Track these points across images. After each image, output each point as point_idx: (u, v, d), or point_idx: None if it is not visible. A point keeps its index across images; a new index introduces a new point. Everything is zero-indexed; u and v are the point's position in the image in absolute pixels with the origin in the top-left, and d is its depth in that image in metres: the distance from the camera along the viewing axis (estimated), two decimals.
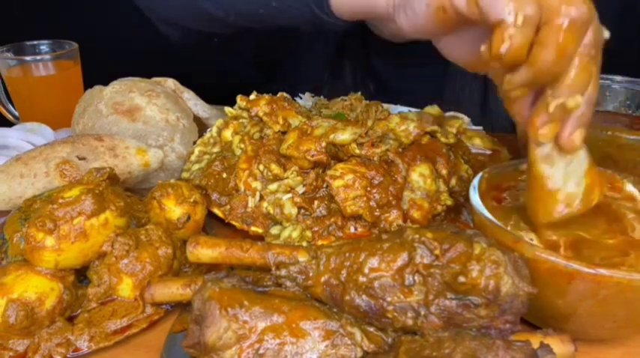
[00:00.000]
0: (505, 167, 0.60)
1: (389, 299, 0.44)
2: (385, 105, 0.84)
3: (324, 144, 0.64)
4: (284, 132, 0.70)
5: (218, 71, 1.12)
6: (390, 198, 0.61)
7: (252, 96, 0.75)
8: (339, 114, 0.77)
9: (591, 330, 0.49)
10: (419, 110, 0.84)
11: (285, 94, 0.78)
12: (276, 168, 0.66)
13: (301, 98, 0.94)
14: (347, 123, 0.65)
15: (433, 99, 0.88)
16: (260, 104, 0.73)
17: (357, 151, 0.62)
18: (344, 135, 0.63)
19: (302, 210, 0.63)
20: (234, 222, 0.65)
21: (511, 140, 0.79)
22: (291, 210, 0.63)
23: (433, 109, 0.82)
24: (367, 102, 0.81)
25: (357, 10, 0.65)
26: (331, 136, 0.63)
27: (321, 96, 0.91)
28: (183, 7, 0.80)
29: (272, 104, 0.73)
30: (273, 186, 0.64)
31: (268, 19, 0.73)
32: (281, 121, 0.71)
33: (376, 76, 1.01)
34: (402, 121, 0.65)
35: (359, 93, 0.88)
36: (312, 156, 0.64)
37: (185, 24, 0.84)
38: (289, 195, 0.63)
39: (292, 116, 0.71)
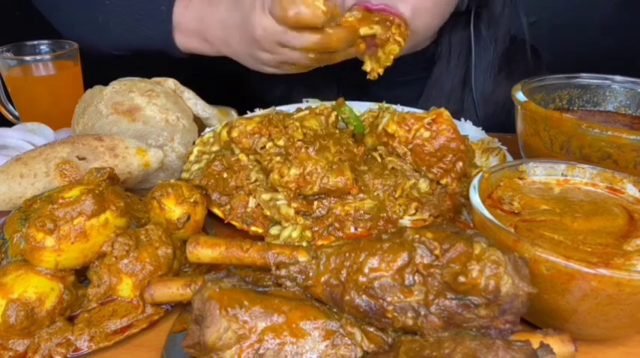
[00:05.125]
0: (505, 167, 0.60)
1: (389, 299, 0.44)
2: (385, 105, 0.84)
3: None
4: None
5: (218, 71, 1.12)
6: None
7: (235, 133, 0.70)
8: (358, 124, 0.74)
9: (591, 330, 0.49)
10: (420, 111, 0.84)
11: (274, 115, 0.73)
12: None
13: (307, 102, 0.94)
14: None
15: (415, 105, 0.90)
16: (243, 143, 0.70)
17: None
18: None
19: (302, 211, 0.63)
20: (234, 222, 0.65)
21: (511, 140, 0.79)
22: (287, 209, 0.63)
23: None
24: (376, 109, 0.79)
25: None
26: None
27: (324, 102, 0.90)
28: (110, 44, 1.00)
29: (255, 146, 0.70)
30: (266, 196, 0.65)
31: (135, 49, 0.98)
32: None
33: (359, 83, 1.03)
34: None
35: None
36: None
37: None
38: (284, 201, 0.63)
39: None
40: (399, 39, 0.78)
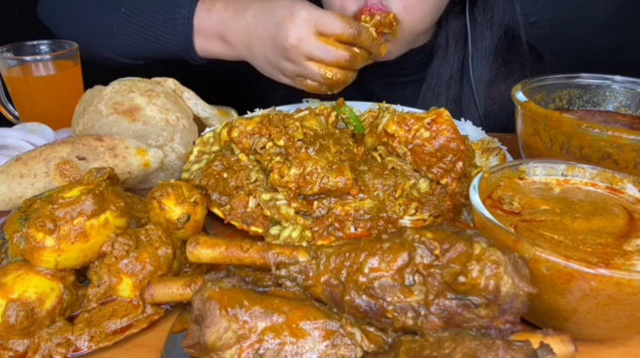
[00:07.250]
0: (505, 167, 0.60)
1: (389, 299, 0.44)
2: (385, 105, 0.84)
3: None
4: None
5: (218, 71, 1.12)
6: None
7: (235, 133, 0.70)
8: (358, 124, 0.75)
9: (591, 330, 0.49)
10: (420, 111, 0.84)
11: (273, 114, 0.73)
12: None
13: (307, 102, 0.94)
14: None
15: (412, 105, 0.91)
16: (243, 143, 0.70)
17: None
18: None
19: (302, 211, 0.63)
20: (234, 222, 0.65)
21: (511, 140, 0.79)
22: (287, 209, 0.63)
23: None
24: (376, 109, 0.80)
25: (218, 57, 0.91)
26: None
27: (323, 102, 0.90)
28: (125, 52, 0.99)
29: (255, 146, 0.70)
30: (266, 196, 0.65)
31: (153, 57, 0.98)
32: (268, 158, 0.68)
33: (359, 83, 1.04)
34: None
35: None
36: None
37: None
38: (284, 201, 0.63)
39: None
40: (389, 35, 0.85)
